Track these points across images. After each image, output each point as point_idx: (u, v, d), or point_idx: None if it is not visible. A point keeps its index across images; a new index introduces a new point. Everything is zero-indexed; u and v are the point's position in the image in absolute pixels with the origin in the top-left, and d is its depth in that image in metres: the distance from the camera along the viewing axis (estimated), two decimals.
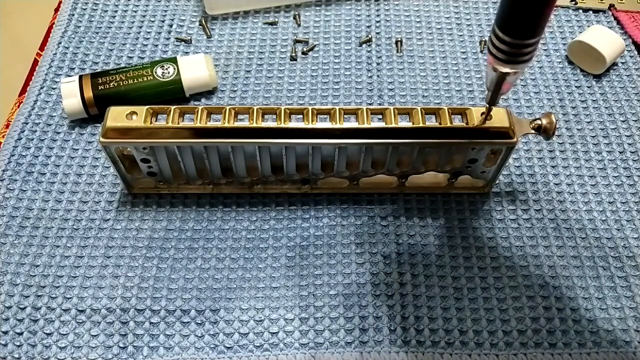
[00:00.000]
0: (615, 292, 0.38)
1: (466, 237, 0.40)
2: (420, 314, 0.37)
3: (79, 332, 0.36)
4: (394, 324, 0.36)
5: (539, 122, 0.37)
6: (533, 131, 0.37)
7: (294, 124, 0.36)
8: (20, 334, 0.36)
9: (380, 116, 0.37)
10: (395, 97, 0.47)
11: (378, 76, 0.49)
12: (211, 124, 0.36)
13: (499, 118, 0.36)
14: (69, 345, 0.35)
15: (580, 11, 0.53)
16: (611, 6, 0.54)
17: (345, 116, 0.36)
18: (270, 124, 0.36)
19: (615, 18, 0.53)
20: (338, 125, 0.36)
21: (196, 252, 0.39)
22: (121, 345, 0.35)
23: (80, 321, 0.36)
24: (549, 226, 0.41)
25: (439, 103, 0.47)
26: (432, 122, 0.36)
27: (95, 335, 0.36)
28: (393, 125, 0.36)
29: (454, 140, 0.36)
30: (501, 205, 0.42)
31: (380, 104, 0.47)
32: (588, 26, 0.52)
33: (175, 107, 0.36)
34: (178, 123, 0.36)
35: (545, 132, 0.36)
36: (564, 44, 0.51)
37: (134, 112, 0.36)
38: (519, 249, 0.39)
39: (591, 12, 0.53)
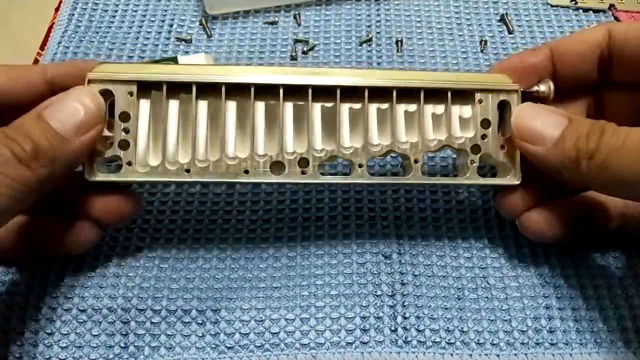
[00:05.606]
0: (616, 291, 0.38)
1: (467, 237, 0.40)
2: (422, 314, 0.37)
3: (80, 331, 0.36)
4: (395, 324, 0.36)
5: (536, 87, 0.36)
6: (535, 87, 0.36)
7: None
8: (22, 333, 0.36)
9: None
10: None
11: None
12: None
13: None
14: (70, 345, 0.35)
15: (580, 11, 0.54)
16: (611, 6, 0.54)
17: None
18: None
19: (616, 18, 0.53)
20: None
21: (197, 251, 0.39)
22: (122, 345, 0.35)
23: (82, 320, 0.36)
24: None
25: None
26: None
27: (96, 335, 0.36)
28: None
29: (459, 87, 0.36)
30: None
31: None
32: (588, 26, 0.52)
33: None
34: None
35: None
36: None
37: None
38: (520, 249, 0.39)
39: (591, 12, 0.54)
